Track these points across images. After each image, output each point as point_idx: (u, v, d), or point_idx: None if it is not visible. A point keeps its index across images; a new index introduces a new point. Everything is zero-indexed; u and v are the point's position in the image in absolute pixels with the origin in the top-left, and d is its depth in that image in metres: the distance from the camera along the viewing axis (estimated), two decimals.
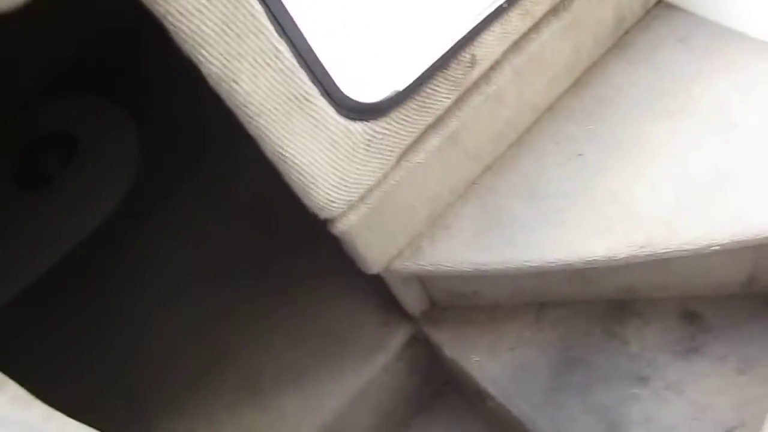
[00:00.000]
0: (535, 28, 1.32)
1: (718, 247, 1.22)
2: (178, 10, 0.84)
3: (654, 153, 1.36)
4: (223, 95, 0.96)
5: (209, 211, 2.04)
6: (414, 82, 1.16)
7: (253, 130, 1.02)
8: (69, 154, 2.37)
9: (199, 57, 0.90)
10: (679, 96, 1.41)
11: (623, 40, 1.54)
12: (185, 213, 2.07)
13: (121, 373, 1.77)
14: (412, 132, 1.22)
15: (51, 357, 1.85)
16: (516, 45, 1.31)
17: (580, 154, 1.40)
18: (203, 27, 0.87)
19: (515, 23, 1.26)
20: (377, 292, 1.58)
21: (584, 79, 1.51)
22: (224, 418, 1.60)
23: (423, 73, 1.16)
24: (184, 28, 0.86)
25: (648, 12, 1.56)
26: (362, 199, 1.22)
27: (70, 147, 2.39)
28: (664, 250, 1.24)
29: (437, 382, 1.78)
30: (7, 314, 2.00)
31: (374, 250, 1.32)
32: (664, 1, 1.57)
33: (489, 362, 1.51)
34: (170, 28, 0.86)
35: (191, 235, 2.01)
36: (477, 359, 1.52)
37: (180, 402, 1.64)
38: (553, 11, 1.33)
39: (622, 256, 1.26)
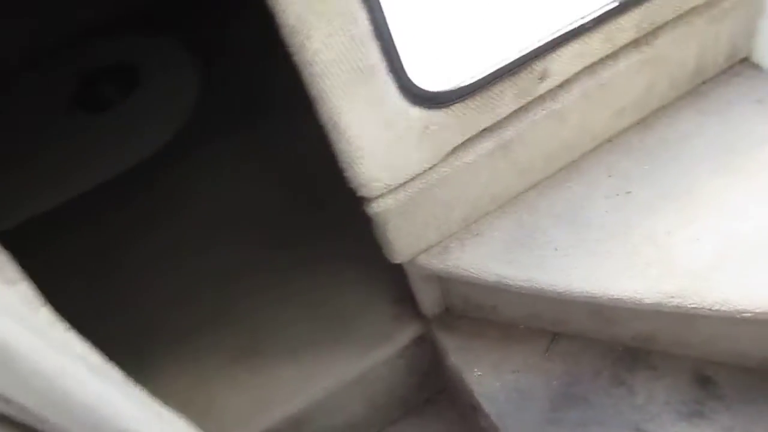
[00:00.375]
0: (614, 55, 1.30)
1: (749, 315, 1.18)
2: None
3: (705, 206, 1.32)
4: (293, 49, 0.96)
5: (251, 172, 2.06)
6: (481, 80, 1.15)
7: (314, 91, 1.02)
8: (129, 86, 2.42)
9: (278, 6, 0.91)
10: (745, 155, 1.37)
11: (699, 89, 1.51)
12: (227, 169, 2.09)
13: (125, 305, 1.80)
14: (468, 130, 1.21)
15: (60, 275, 1.89)
16: (591, 68, 1.29)
17: (629, 192, 1.37)
18: None
19: (595, 46, 1.24)
20: (397, 285, 1.58)
21: (651, 119, 1.47)
22: (217, 373, 1.61)
23: (491, 74, 1.15)
24: None
25: (731, 67, 1.52)
26: (404, 185, 1.22)
27: (131, 79, 2.44)
28: (692, 305, 1.21)
29: (434, 388, 1.76)
30: (33, 227, 2.05)
31: (403, 240, 1.31)
32: (750, 59, 1.53)
33: (490, 379, 1.49)
34: None
35: (228, 190, 2.03)
36: (479, 373, 1.50)
37: (176, 349, 1.66)
38: (635, 43, 1.30)
39: (649, 301, 1.23)
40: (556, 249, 1.33)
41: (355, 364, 1.58)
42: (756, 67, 1.52)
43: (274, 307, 1.70)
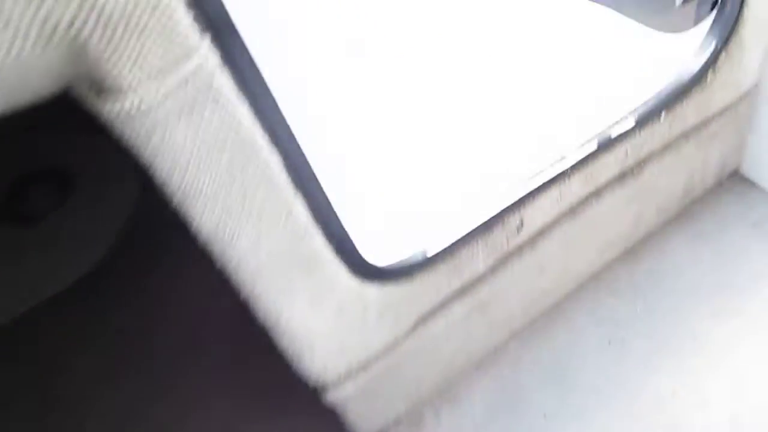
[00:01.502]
0: (597, 193, 1.14)
1: None
2: (171, 157, 0.66)
3: (711, 359, 1.15)
4: (216, 253, 0.77)
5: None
6: (449, 246, 0.97)
7: (246, 291, 0.83)
8: (63, 192, 2.21)
9: (193, 211, 0.72)
10: (745, 294, 1.22)
11: (689, 210, 1.36)
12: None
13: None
14: (435, 299, 1.03)
15: None
16: (571, 210, 1.12)
17: (621, 340, 1.21)
18: (201, 181, 0.69)
19: (575, 189, 1.07)
20: None
21: (639, 248, 1.32)
22: None
23: (463, 237, 0.98)
24: (175, 179, 0.68)
25: (720, 184, 1.38)
26: (364, 367, 1.02)
27: (64, 184, 2.23)
28: None
29: None
30: None
31: (367, 420, 1.12)
32: (740, 173, 1.39)
33: None
34: (158, 177, 0.68)
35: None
36: None
37: None
38: (620, 178, 1.14)
39: None
40: (543, 416, 1.15)
41: None
42: (746, 181, 1.38)
43: None
